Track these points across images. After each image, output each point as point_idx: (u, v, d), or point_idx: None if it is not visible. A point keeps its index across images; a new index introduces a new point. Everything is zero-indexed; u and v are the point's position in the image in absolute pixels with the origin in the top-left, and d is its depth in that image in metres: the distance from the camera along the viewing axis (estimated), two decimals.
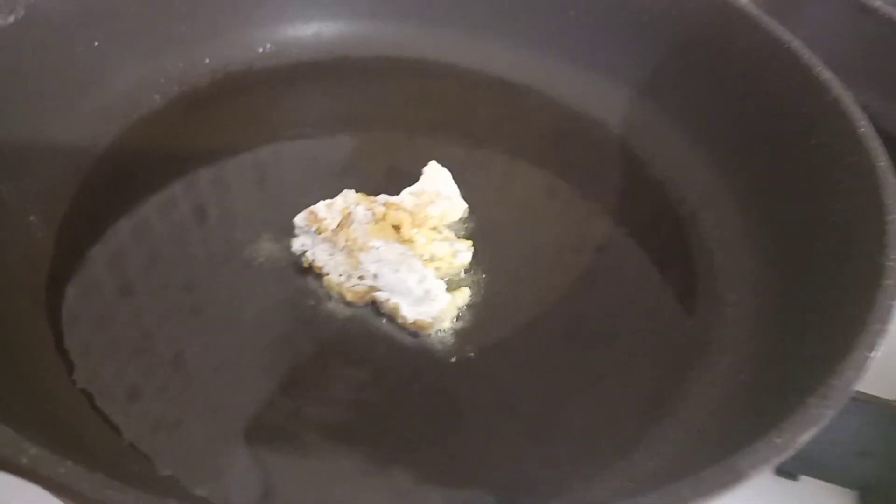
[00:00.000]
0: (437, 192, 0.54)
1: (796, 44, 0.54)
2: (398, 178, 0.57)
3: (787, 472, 0.54)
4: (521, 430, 0.45)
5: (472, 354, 0.48)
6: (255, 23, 0.66)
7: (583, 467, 0.44)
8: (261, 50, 0.66)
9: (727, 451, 0.41)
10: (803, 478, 0.54)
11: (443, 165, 0.56)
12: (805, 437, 0.33)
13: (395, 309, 0.49)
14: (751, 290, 0.51)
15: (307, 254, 0.51)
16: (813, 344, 0.45)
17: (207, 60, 0.64)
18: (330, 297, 0.50)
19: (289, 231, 0.52)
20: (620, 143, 0.62)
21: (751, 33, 0.57)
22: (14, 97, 0.52)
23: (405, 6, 0.68)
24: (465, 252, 0.52)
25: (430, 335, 0.48)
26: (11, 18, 0.52)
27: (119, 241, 0.51)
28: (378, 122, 0.64)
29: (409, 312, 0.48)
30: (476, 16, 0.68)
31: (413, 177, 0.56)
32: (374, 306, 0.49)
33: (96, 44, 0.57)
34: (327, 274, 0.50)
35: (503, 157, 0.61)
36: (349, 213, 0.51)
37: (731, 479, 0.32)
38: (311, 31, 0.68)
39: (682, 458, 0.44)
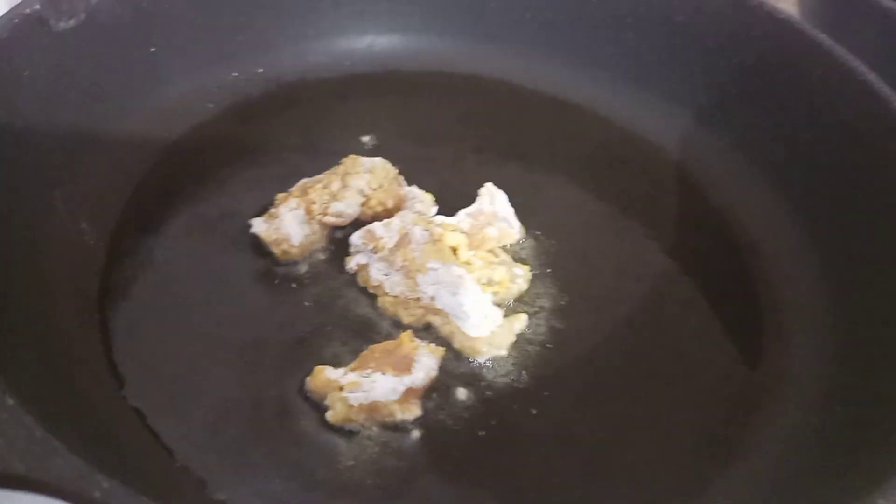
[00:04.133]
0: (493, 213, 0.53)
1: (871, 76, 0.52)
2: (450, 197, 0.56)
3: None
4: (579, 466, 0.44)
5: (529, 384, 0.46)
6: (309, 35, 0.65)
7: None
8: (314, 61, 0.65)
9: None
10: None
11: (496, 186, 0.55)
12: None
13: (452, 333, 0.47)
14: (819, 326, 0.49)
15: (362, 272, 0.50)
16: (889, 383, 0.43)
17: (261, 70, 0.63)
18: (384, 318, 0.48)
19: (342, 251, 0.51)
20: (678, 168, 0.61)
21: (821, 61, 0.55)
22: (70, 101, 0.51)
23: (458, 22, 0.68)
24: (522, 277, 0.51)
25: (486, 362, 0.47)
26: (72, 22, 0.51)
27: (168, 252, 0.51)
28: (429, 138, 0.62)
29: (465, 337, 0.47)
30: (530, 34, 0.67)
31: (464, 196, 0.55)
32: (430, 330, 0.48)
33: (153, 50, 0.57)
34: (383, 294, 0.49)
35: (558, 179, 0.60)
36: (406, 234, 0.49)
37: None
38: (364, 44, 0.67)
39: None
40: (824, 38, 0.55)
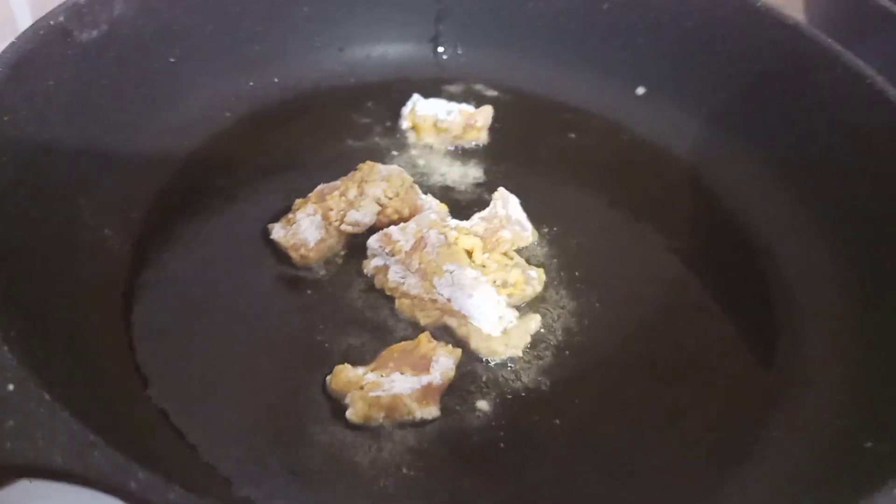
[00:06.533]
0: (507, 217, 0.54)
1: (878, 79, 0.53)
2: (464, 202, 0.57)
3: None
4: (596, 466, 0.44)
5: (545, 385, 0.47)
6: (324, 44, 0.67)
7: None
8: (328, 70, 0.66)
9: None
10: None
11: (508, 191, 0.56)
12: None
13: (468, 334, 0.48)
14: (833, 328, 0.50)
15: (379, 275, 0.51)
16: None
17: (277, 80, 0.64)
18: (401, 320, 0.49)
19: (359, 254, 0.52)
20: (691, 173, 0.62)
21: (828, 65, 0.56)
22: (94, 111, 0.52)
23: (468, 31, 0.69)
24: (536, 280, 0.51)
25: (502, 362, 0.48)
26: (95, 33, 0.52)
27: (190, 257, 0.52)
28: None
29: (482, 338, 0.48)
30: (541, 42, 0.68)
31: (476, 202, 0.56)
32: (446, 331, 0.49)
33: (172, 60, 0.58)
34: (401, 296, 0.49)
35: (570, 184, 0.61)
36: (422, 237, 0.50)
37: None
38: (377, 53, 0.68)
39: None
40: (832, 44, 0.56)
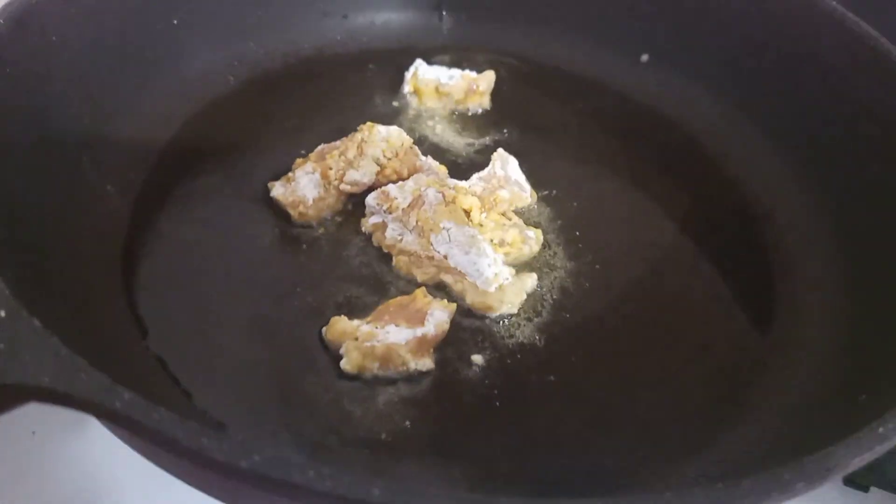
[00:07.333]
0: (505, 177, 0.54)
1: (883, 43, 0.52)
2: (463, 165, 0.58)
3: (858, 483, 0.52)
4: (590, 419, 0.44)
5: (540, 341, 0.47)
6: (327, 11, 0.67)
7: (652, 460, 0.43)
8: (331, 37, 0.67)
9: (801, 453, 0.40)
10: (874, 490, 0.52)
11: (510, 154, 0.56)
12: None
13: (464, 291, 0.48)
14: (830, 291, 0.50)
15: (377, 233, 0.51)
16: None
17: (280, 46, 0.64)
18: (399, 277, 0.50)
19: (357, 213, 0.53)
20: (693, 140, 0.61)
21: (832, 29, 0.55)
22: (96, 69, 0.53)
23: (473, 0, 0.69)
24: (534, 240, 0.51)
25: (497, 319, 0.48)
26: None
27: (190, 214, 0.52)
28: None
29: (477, 294, 0.48)
30: (543, 9, 0.68)
31: (475, 165, 0.56)
32: (443, 288, 0.49)
33: (175, 22, 0.58)
34: (398, 253, 0.50)
35: (571, 150, 0.61)
36: (420, 195, 0.50)
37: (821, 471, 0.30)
38: (380, 21, 0.69)
39: (756, 458, 0.42)
40: (836, 7, 0.56)
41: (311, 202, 0.51)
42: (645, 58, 0.65)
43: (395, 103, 0.63)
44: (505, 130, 0.61)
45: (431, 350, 0.45)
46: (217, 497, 0.34)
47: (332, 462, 0.40)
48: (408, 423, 0.43)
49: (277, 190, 0.52)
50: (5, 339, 0.29)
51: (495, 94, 0.64)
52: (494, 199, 0.52)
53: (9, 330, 0.29)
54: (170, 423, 0.26)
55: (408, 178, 0.54)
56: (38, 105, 0.47)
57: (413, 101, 0.63)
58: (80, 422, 0.49)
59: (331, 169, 0.53)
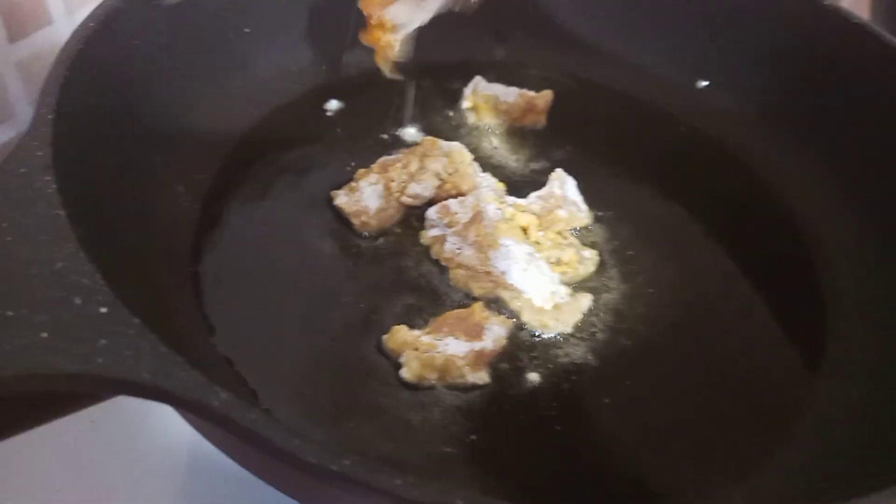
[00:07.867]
0: (563, 197, 0.55)
1: None
2: (520, 183, 0.59)
3: None
4: (641, 441, 0.45)
5: (593, 361, 0.48)
6: None
7: (699, 482, 0.43)
8: None
9: (852, 485, 0.41)
10: None
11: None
12: None
13: (520, 307, 0.49)
14: (880, 318, 0.50)
15: (436, 245, 0.52)
16: None
17: (344, 57, 0.66)
18: (456, 290, 0.51)
19: (416, 225, 0.54)
20: (748, 167, 0.62)
21: (890, 62, 0.56)
22: (171, 74, 0.55)
23: (529, 18, 0.70)
24: (591, 260, 0.52)
25: (552, 337, 0.49)
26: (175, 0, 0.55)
27: (257, 218, 0.54)
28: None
29: (533, 311, 0.49)
30: (603, 30, 0.69)
31: (532, 184, 0.57)
32: (499, 303, 0.50)
33: (247, 30, 0.60)
34: (455, 267, 0.51)
35: (626, 172, 0.61)
36: (480, 211, 0.51)
37: None
38: (436, 37, 0.70)
39: (801, 490, 0.43)
40: (861, 18, 0.56)
41: (373, 212, 0.53)
42: (702, 84, 0.66)
43: (453, 119, 0.64)
44: (561, 149, 0.62)
45: (488, 364, 0.46)
46: (291, 494, 0.35)
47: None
48: (462, 434, 0.44)
49: (341, 199, 0.54)
50: (108, 334, 0.30)
51: (551, 113, 0.65)
52: (552, 219, 0.53)
53: (110, 326, 0.31)
54: (265, 424, 0.27)
55: (466, 193, 0.55)
56: (119, 106, 0.49)
57: (471, 117, 0.64)
58: (140, 411, 0.50)
59: (393, 181, 0.54)
